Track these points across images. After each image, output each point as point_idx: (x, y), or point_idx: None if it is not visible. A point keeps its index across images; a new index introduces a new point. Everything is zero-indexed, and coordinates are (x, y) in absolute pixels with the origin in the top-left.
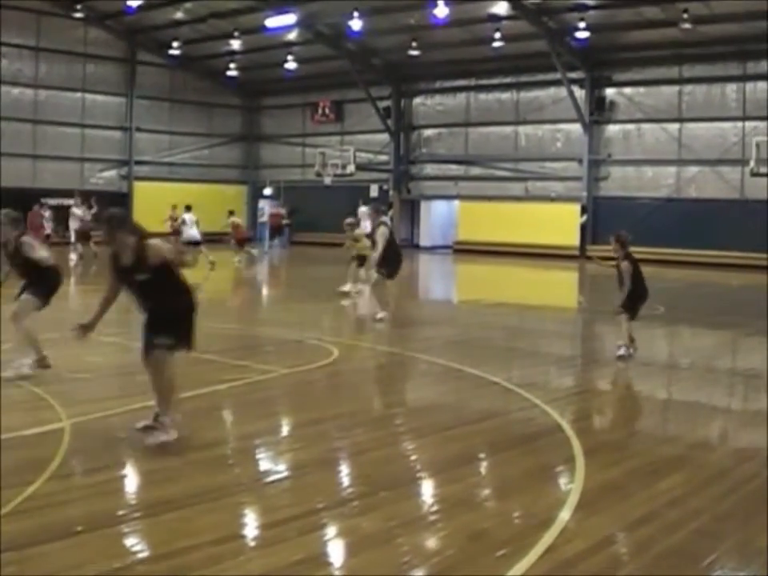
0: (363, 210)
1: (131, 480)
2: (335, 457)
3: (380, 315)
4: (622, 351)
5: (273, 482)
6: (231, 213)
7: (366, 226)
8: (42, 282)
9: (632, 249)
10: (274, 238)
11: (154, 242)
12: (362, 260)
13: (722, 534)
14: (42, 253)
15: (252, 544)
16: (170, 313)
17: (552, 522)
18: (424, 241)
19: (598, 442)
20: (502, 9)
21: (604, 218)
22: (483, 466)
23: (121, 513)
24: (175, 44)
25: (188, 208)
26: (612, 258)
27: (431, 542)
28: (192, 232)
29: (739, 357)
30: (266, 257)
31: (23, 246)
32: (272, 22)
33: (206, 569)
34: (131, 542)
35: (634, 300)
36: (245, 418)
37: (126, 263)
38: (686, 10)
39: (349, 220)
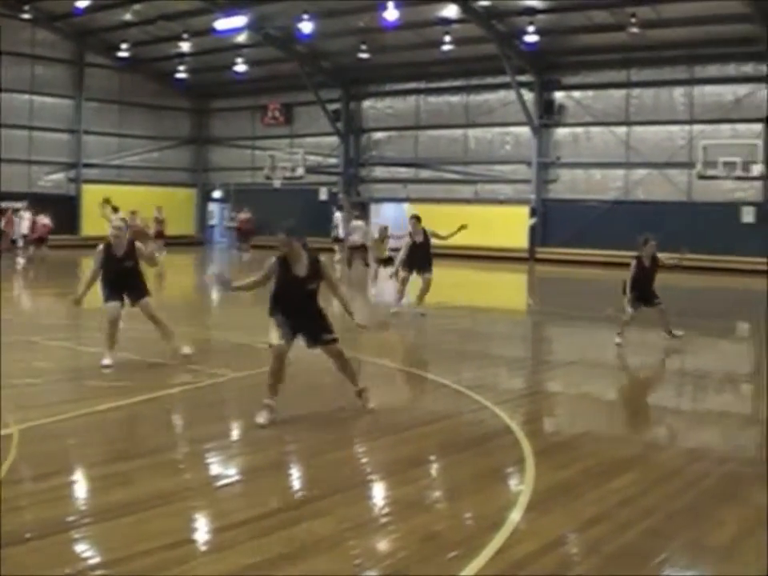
0: (338, 215)
1: (81, 486)
2: (287, 460)
3: (394, 310)
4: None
5: (224, 486)
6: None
7: (339, 232)
8: None
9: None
10: (246, 243)
11: (323, 259)
12: (387, 262)
13: (673, 532)
14: None
15: (204, 548)
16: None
17: (503, 523)
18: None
19: (548, 443)
20: (452, 12)
21: (553, 221)
22: (434, 468)
23: (71, 519)
24: (124, 46)
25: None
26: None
27: (383, 545)
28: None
29: (689, 358)
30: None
31: None
32: (221, 24)
33: (158, 574)
34: (82, 548)
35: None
36: (196, 421)
37: (299, 273)
38: (634, 15)
39: (381, 226)
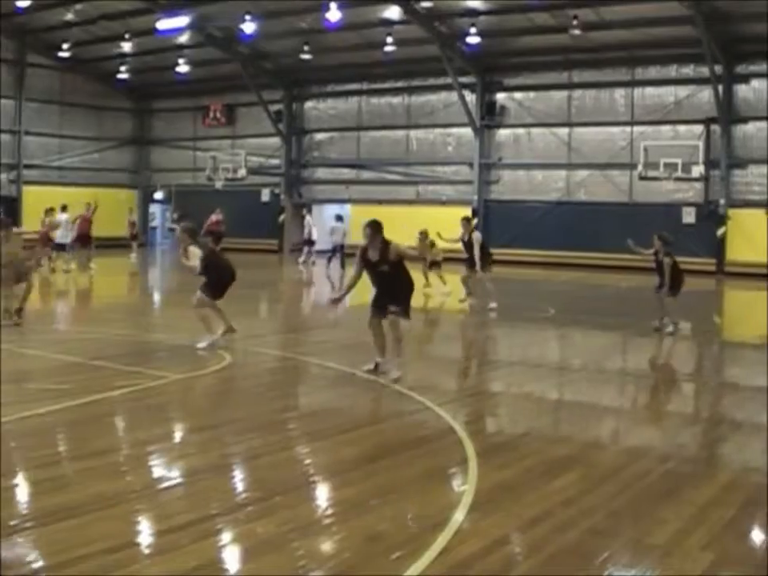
0: (309, 219)
1: (22, 489)
2: (229, 462)
3: (492, 305)
4: (670, 328)
5: (167, 488)
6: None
7: (313, 232)
8: None
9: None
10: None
11: (393, 243)
12: (434, 265)
13: (615, 531)
14: None
15: (147, 551)
16: (401, 291)
17: (446, 523)
18: (317, 244)
19: (490, 443)
20: (394, 13)
21: (495, 221)
22: (378, 469)
23: (12, 523)
24: (65, 46)
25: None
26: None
27: (327, 546)
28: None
29: (629, 357)
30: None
31: None
32: (163, 24)
33: None
34: (23, 551)
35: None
36: (138, 424)
37: (372, 258)
38: (575, 17)
39: (422, 229)
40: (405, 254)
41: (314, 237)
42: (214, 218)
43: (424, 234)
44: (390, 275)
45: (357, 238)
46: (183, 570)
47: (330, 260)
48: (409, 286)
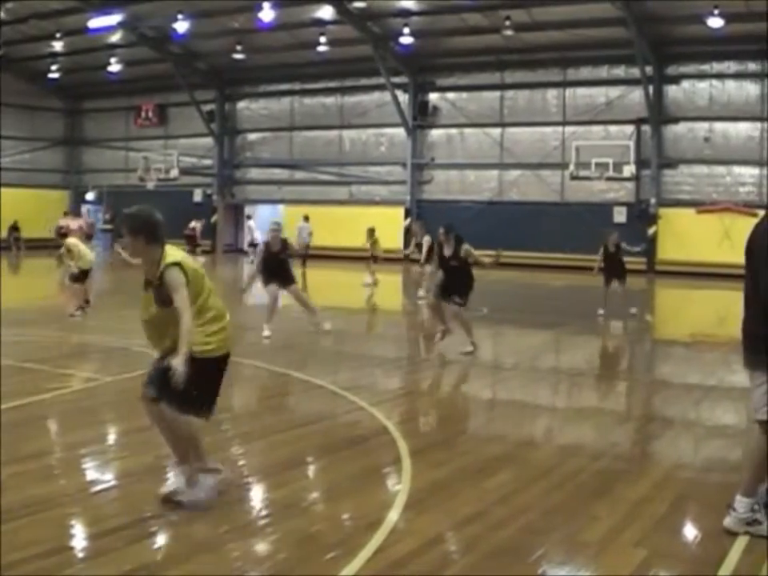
0: (251, 223)
1: None
2: (163, 464)
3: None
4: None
5: (100, 491)
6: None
7: (256, 237)
8: None
9: None
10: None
11: (466, 245)
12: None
13: (549, 529)
14: None
15: (81, 555)
16: (464, 282)
17: (381, 522)
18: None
19: (424, 442)
20: (327, 13)
21: (428, 221)
22: (311, 470)
23: None
24: None
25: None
26: None
27: (262, 547)
28: None
29: (562, 356)
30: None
31: None
32: (95, 22)
33: None
34: None
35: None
36: (70, 427)
37: (446, 254)
38: (508, 17)
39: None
40: (471, 255)
41: (258, 240)
42: (194, 224)
43: (371, 231)
44: (457, 269)
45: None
46: (118, 573)
47: (305, 261)
48: (471, 282)
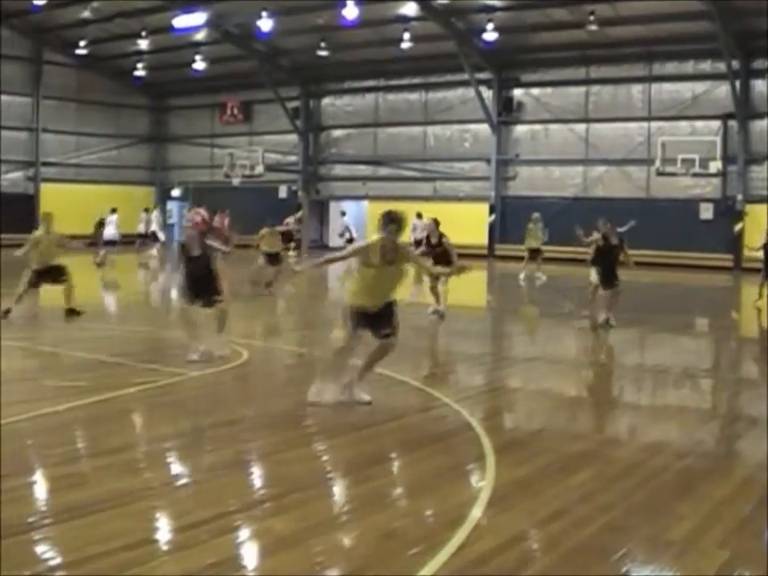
0: (417, 222)
1: (40, 487)
2: (246, 459)
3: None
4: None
5: (184, 485)
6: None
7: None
8: None
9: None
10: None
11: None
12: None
13: (632, 528)
14: None
15: (164, 548)
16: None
17: (463, 519)
18: (334, 241)
19: (507, 439)
20: (410, 10)
21: (512, 218)
22: (394, 466)
23: (30, 520)
24: (82, 43)
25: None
26: None
27: (344, 542)
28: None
29: (647, 353)
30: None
31: None
32: (180, 21)
33: (117, 575)
34: (42, 549)
35: None
36: (154, 421)
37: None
38: (592, 12)
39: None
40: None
41: (355, 235)
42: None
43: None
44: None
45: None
46: (200, 567)
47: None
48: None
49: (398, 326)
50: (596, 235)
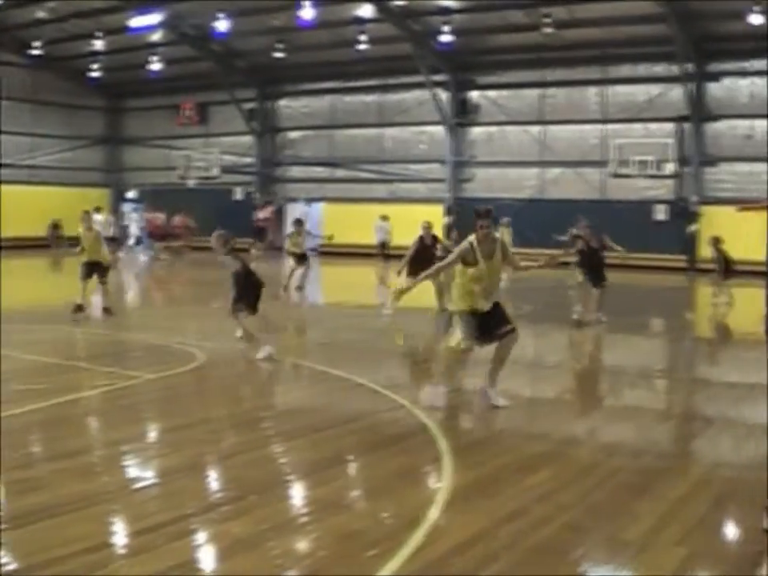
0: (382, 224)
1: None
2: (204, 461)
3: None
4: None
5: (142, 488)
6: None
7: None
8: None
9: None
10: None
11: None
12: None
13: (590, 527)
14: None
15: (123, 552)
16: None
17: (422, 520)
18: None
19: (465, 440)
20: (367, 11)
21: (468, 219)
22: (352, 468)
23: None
24: (37, 44)
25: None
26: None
27: (303, 544)
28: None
29: (604, 354)
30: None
31: None
32: (136, 21)
33: None
34: (1, 553)
35: None
36: (112, 424)
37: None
38: (548, 15)
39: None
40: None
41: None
42: (177, 219)
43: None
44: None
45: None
46: (159, 570)
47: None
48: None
49: (514, 320)
50: (580, 244)
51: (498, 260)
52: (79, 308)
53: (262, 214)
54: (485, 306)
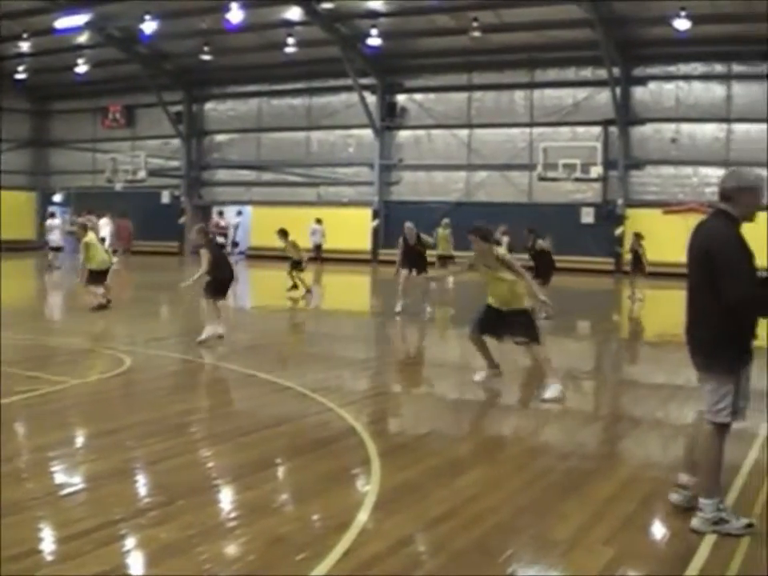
0: (316, 228)
1: None
2: (131, 467)
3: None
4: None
5: (68, 494)
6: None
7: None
8: None
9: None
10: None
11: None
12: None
13: (519, 528)
14: None
15: (50, 559)
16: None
17: (350, 524)
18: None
19: (393, 443)
20: (295, 14)
21: (395, 222)
22: (280, 471)
23: None
24: None
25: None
26: None
27: (231, 549)
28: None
29: (530, 356)
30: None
31: None
32: (62, 23)
33: None
34: None
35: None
36: (37, 430)
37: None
38: (475, 19)
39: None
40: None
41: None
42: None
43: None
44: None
45: (260, 239)
46: None
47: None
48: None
49: (536, 333)
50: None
51: (496, 269)
52: (102, 306)
53: (223, 222)
54: (495, 304)
